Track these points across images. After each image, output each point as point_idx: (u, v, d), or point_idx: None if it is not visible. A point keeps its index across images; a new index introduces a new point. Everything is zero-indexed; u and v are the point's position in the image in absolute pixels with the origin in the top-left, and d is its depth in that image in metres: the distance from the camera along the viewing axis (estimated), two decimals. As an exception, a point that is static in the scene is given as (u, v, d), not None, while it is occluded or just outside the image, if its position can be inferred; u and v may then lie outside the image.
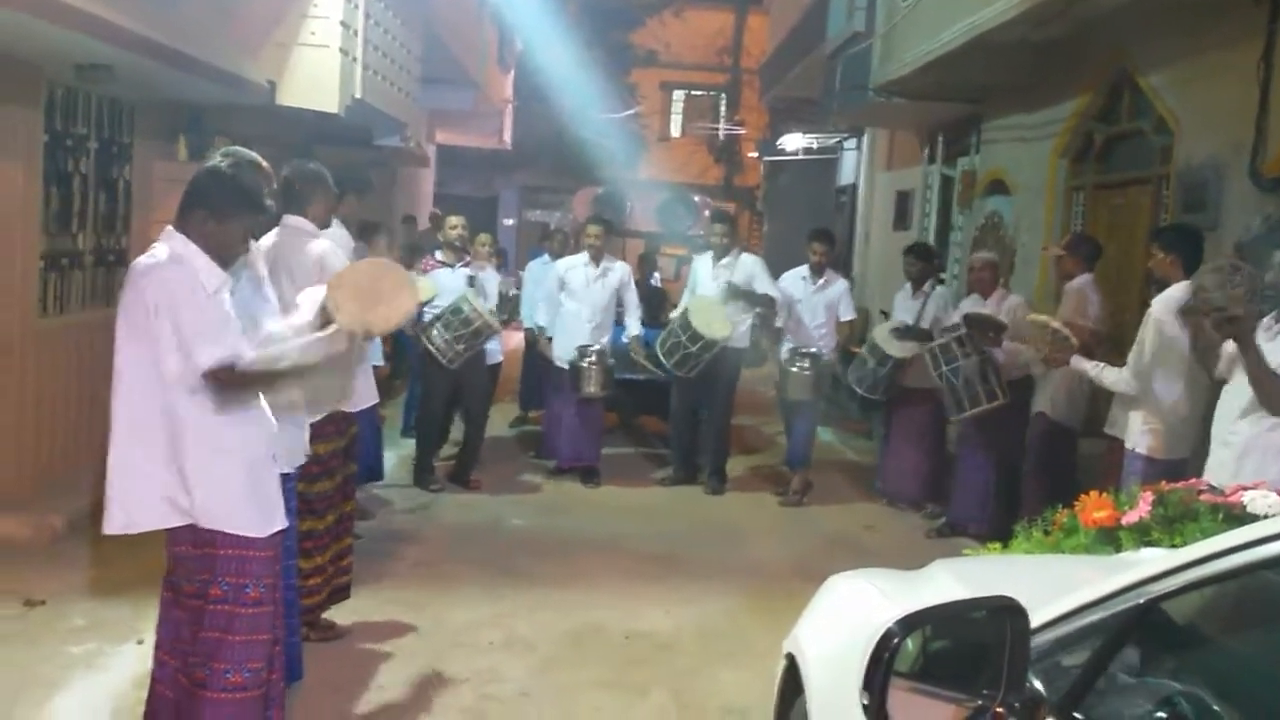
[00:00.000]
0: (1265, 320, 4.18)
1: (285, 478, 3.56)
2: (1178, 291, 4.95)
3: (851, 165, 15.23)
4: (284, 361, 3.35)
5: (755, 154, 21.60)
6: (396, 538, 6.36)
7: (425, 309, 7.07)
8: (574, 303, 7.90)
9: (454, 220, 7.71)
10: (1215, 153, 6.04)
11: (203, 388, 3.07)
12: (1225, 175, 5.94)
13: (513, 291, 8.21)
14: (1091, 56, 7.50)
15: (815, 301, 7.89)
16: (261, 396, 3.32)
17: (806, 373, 7.61)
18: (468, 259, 7.68)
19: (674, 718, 4.32)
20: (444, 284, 7.42)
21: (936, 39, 7.98)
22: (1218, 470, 4.13)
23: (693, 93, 26.41)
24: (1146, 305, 5.21)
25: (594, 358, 7.67)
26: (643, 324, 8.22)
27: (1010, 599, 1.79)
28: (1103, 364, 5.21)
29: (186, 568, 3.23)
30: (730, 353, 7.82)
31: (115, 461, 3.14)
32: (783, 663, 3.09)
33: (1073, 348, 5.26)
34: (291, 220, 4.40)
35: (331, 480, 4.60)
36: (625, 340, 8.04)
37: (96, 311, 7.01)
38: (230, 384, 3.11)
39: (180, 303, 3.04)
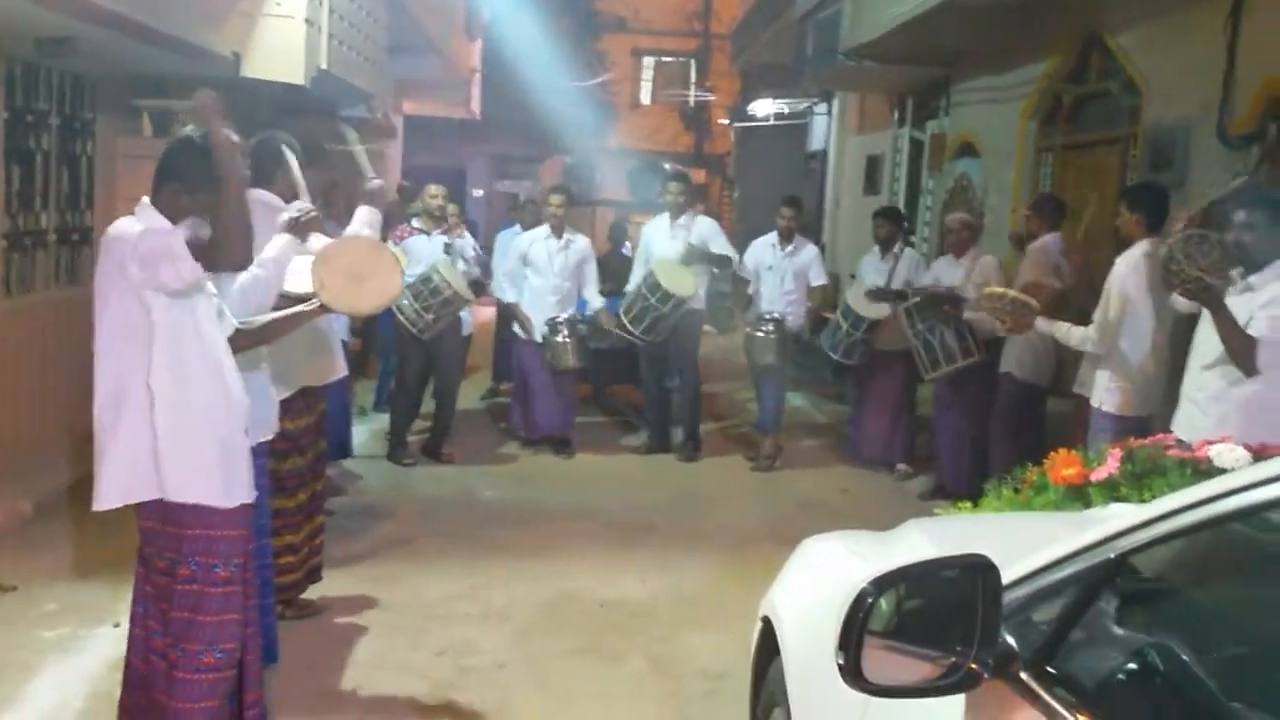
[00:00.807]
0: (1232, 275, 4.21)
1: (255, 453, 3.53)
2: (1140, 249, 4.98)
3: (821, 130, 15.20)
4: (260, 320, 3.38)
5: (726, 120, 21.53)
6: (370, 513, 6.33)
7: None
8: (538, 277, 7.83)
9: (434, 189, 7.67)
10: (1183, 112, 6.06)
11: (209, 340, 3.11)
12: (1193, 134, 5.97)
13: (474, 271, 8.10)
14: (1061, 17, 7.50)
15: (785, 268, 7.87)
16: (236, 372, 3.29)
17: (771, 337, 7.63)
18: (445, 227, 7.65)
19: (650, 683, 4.34)
20: (420, 252, 7.38)
21: (907, 1, 7.95)
22: (1185, 424, 4.18)
23: (663, 59, 26.22)
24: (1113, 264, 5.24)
25: (566, 330, 7.63)
26: (614, 293, 8.18)
27: (982, 556, 1.79)
28: (1068, 324, 5.24)
29: (156, 544, 3.21)
30: (691, 314, 7.83)
31: (101, 436, 3.12)
32: (758, 625, 3.10)
33: (1035, 311, 5.26)
34: (258, 194, 4.34)
35: (302, 457, 4.56)
36: (590, 314, 7.97)
37: (62, 291, 6.93)
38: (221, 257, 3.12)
39: (150, 237, 3.03)
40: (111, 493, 3.13)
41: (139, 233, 3.04)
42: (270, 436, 3.94)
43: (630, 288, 7.88)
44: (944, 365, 6.74)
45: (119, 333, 3.06)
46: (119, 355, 3.07)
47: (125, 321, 3.05)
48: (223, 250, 3.11)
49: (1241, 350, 4.04)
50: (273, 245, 3.65)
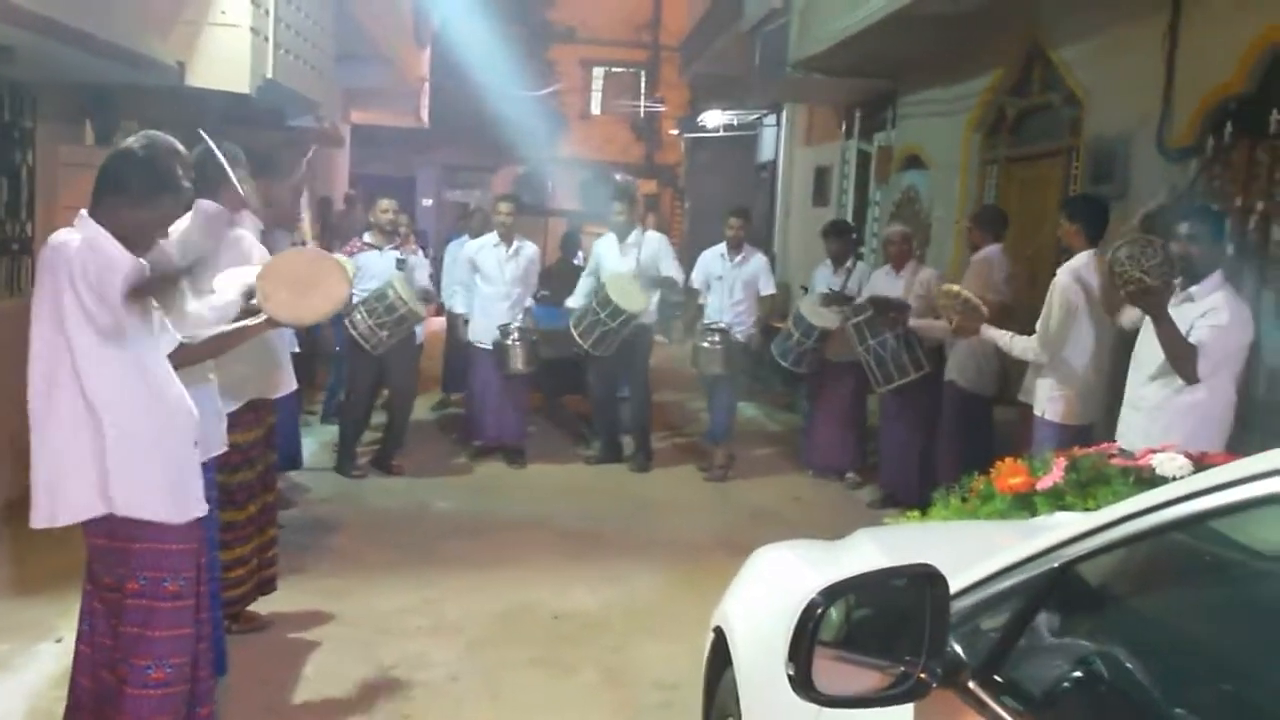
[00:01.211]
0: (1174, 285, 4.31)
1: (204, 468, 3.49)
2: (1081, 260, 5.08)
3: (771, 141, 15.29)
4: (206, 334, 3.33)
5: (676, 131, 21.60)
6: (320, 526, 6.27)
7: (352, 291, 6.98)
8: (488, 284, 7.86)
9: (385, 203, 7.60)
10: (1123, 125, 6.18)
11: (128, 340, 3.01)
12: (1133, 146, 6.08)
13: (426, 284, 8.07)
14: (1004, 31, 7.61)
15: (734, 277, 7.94)
16: (179, 384, 3.25)
17: (717, 348, 7.67)
18: (398, 241, 7.61)
19: (604, 694, 4.34)
20: (372, 267, 7.33)
21: (853, 14, 8.03)
22: (1128, 433, 4.26)
23: (613, 69, 26.22)
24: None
25: (518, 334, 7.63)
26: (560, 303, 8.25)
27: (929, 566, 1.82)
28: (1012, 333, 5.32)
29: (104, 560, 3.16)
30: (641, 328, 7.86)
31: (36, 452, 3.06)
32: (711, 636, 3.11)
33: (983, 316, 5.36)
34: (204, 204, 4.29)
35: (252, 470, 4.52)
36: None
37: (1, 301, 6.79)
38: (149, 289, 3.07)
39: (90, 268, 2.95)
40: (54, 510, 3.06)
41: (78, 248, 2.97)
42: (220, 452, 3.89)
43: (575, 300, 7.92)
44: (897, 379, 6.82)
45: (53, 345, 2.99)
46: (53, 370, 3.00)
47: (60, 334, 2.98)
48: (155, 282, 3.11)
49: (1182, 357, 4.13)
50: (221, 295, 3.56)
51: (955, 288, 5.59)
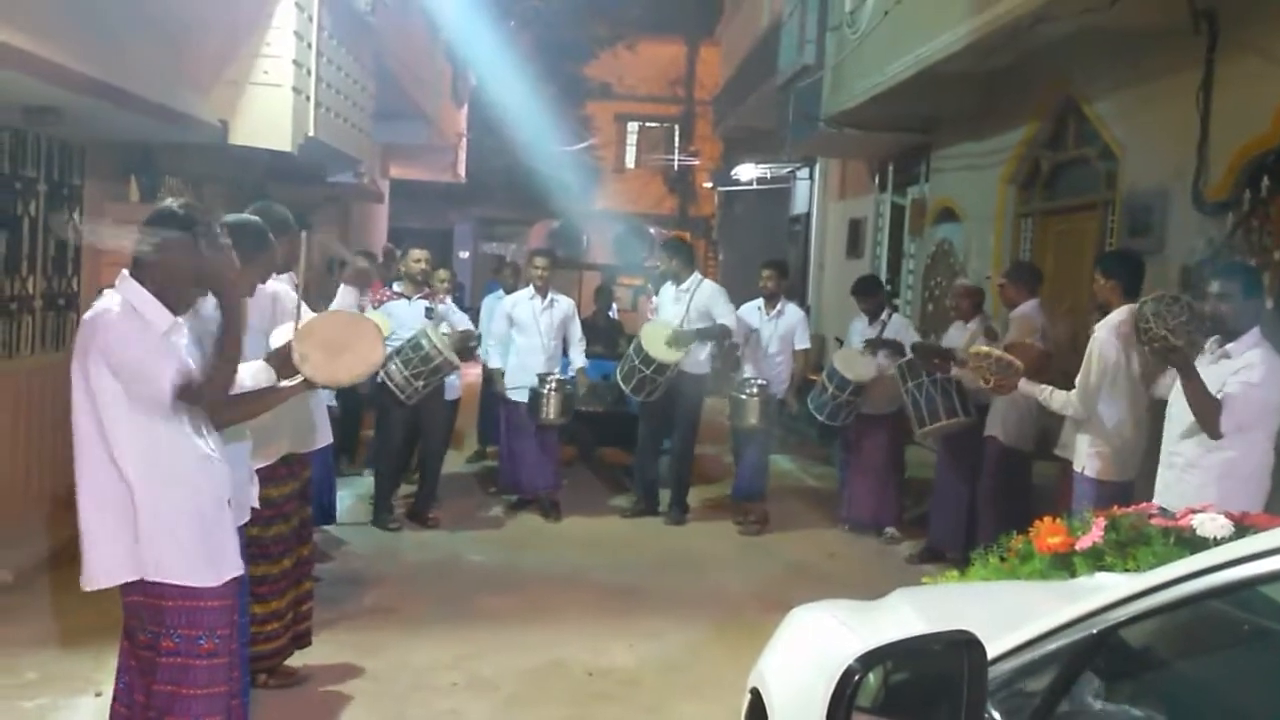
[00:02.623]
0: (1208, 344, 4.28)
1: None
2: (1118, 316, 5.06)
3: (804, 194, 15.38)
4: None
5: (710, 184, 21.76)
6: (355, 579, 6.28)
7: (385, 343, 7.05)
8: (524, 337, 7.93)
9: (417, 253, 7.72)
10: (1159, 178, 6.17)
11: (177, 417, 3.05)
12: (1169, 200, 6.07)
13: (476, 332, 8.16)
14: (1037, 86, 7.65)
15: (769, 331, 7.96)
16: (212, 440, 3.27)
17: (754, 399, 7.66)
18: (427, 291, 7.69)
19: (639, 754, 4.30)
20: (400, 316, 7.42)
21: (885, 71, 8.10)
22: (1164, 491, 4.22)
23: (647, 124, 26.57)
24: (1091, 329, 5.31)
25: (554, 385, 7.68)
26: (601, 356, 8.24)
27: (968, 633, 1.81)
28: (1050, 387, 5.28)
29: (140, 618, 3.18)
30: (691, 380, 7.87)
31: (82, 516, 3.10)
32: (747, 697, 3.09)
33: (1019, 372, 5.31)
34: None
35: (286, 524, 4.54)
36: (571, 373, 8.00)
37: (46, 356, 6.92)
38: (199, 398, 3.09)
39: (130, 343, 3.01)
40: (99, 573, 3.10)
41: (115, 319, 3.03)
42: (248, 517, 3.89)
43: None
44: (930, 423, 6.78)
45: (91, 411, 3.03)
46: (90, 438, 3.05)
47: (97, 399, 3.03)
48: (207, 387, 3.13)
49: (1206, 413, 4.11)
50: (248, 370, 3.55)
51: (985, 349, 5.55)
